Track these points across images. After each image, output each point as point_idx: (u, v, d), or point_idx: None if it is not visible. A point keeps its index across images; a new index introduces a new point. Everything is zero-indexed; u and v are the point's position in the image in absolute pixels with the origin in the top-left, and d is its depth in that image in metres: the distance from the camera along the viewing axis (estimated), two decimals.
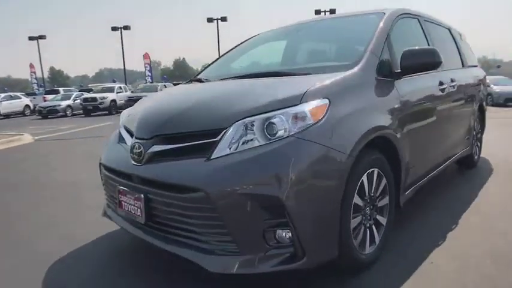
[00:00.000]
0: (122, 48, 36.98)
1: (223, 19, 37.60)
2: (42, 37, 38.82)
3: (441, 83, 3.30)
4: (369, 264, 2.21)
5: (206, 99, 2.26)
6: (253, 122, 1.86)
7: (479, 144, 4.86)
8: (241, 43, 3.68)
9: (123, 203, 2.22)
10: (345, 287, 2.05)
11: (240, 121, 1.87)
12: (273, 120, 1.84)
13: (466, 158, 4.36)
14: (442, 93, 3.30)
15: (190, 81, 3.25)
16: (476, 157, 4.71)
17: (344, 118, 2.00)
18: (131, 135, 2.31)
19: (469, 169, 4.56)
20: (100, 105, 19.22)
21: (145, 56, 35.91)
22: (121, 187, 2.22)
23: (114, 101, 19.89)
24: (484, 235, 2.64)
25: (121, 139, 2.50)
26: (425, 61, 2.50)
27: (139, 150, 2.08)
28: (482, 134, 4.96)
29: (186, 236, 1.92)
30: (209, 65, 3.58)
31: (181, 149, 1.95)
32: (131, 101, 18.75)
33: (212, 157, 1.84)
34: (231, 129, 1.86)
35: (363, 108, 2.15)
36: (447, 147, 3.61)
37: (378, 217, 2.32)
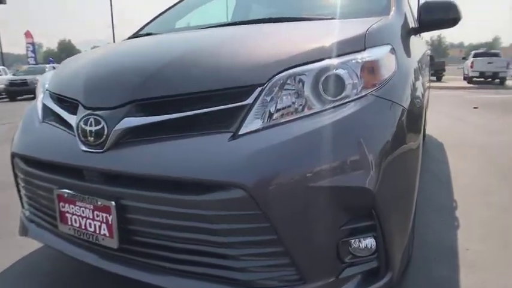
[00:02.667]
0: None
1: None
2: None
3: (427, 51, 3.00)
4: None
5: (211, 45, 1.48)
6: (304, 74, 1.19)
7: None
8: None
9: (68, 216, 1.36)
10: None
11: (282, 73, 1.18)
12: (337, 72, 1.19)
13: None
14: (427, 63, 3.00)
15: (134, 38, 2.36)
16: None
17: (410, 73, 1.45)
18: (72, 106, 1.44)
19: None
20: None
21: (28, 34, 30.89)
22: (63, 190, 1.35)
23: None
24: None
25: (48, 115, 1.59)
26: (446, 16, 2.02)
27: (99, 127, 1.26)
28: None
29: (202, 263, 1.18)
30: (154, 18, 2.71)
31: (182, 122, 1.19)
32: (14, 85, 15.92)
33: (242, 132, 1.13)
34: (270, 86, 1.17)
35: (416, 63, 1.64)
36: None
37: None
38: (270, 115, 1.15)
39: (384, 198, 1.11)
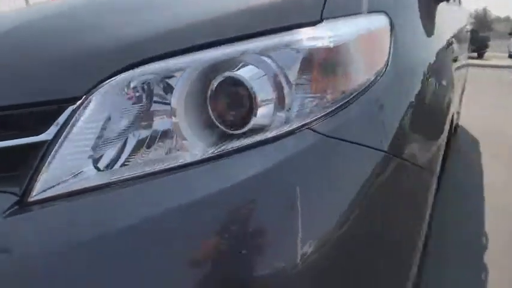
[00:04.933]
0: None
1: None
2: None
3: None
4: None
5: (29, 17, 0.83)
6: (172, 76, 0.56)
7: None
8: None
9: None
10: None
11: (123, 75, 0.56)
12: (239, 73, 0.55)
13: None
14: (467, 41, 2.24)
15: None
16: None
17: (418, 76, 0.78)
18: None
19: None
20: None
21: None
22: None
23: None
24: None
25: None
26: None
27: None
28: None
29: None
30: None
31: None
32: None
33: (34, 197, 0.53)
34: (94, 103, 0.55)
35: (446, 49, 0.96)
36: None
37: None
38: (96, 162, 0.55)
39: None
